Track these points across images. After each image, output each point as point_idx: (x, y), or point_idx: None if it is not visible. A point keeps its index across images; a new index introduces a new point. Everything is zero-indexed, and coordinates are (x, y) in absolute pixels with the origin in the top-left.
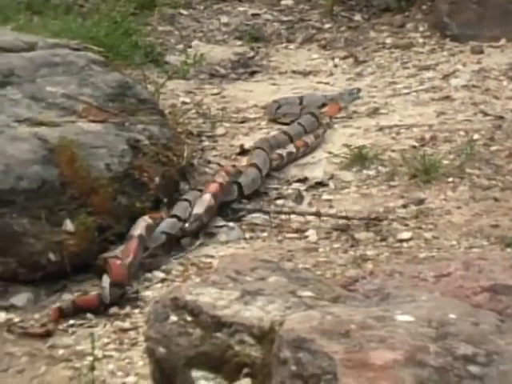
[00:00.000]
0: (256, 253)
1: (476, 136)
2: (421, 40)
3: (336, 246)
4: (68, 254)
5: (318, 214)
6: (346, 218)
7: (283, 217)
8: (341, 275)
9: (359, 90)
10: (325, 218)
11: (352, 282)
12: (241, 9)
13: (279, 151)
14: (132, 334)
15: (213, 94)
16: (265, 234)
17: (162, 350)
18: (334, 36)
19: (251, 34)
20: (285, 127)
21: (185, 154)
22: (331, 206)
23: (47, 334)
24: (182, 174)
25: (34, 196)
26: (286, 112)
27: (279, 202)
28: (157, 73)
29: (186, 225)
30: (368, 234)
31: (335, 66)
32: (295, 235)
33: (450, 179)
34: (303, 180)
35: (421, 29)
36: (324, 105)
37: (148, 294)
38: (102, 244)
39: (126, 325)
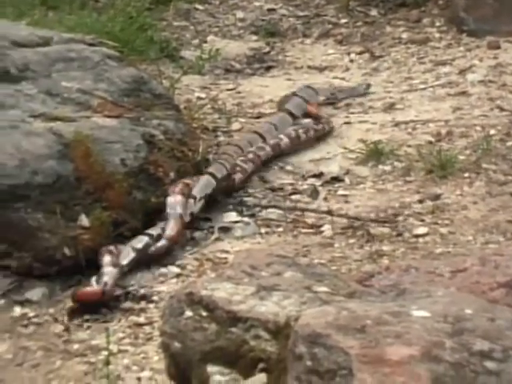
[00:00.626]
0: (271, 248)
1: (492, 131)
2: (437, 35)
3: (351, 241)
4: (83, 248)
5: (330, 213)
6: (357, 218)
7: (298, 212)
8: (356, 270)
9: (369, 85)
10: (340, 213)
11: (368, 278)
12: (256, 4)
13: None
14: (147, 328)
15: (228, 90)
16: (280, 229)
17: (177, 344)
18: (350, 31)
19: (267, 29)
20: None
21: (200, 149)
22: (347, 202)
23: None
24: (197, 169)
25: (49, 191)
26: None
27: (294, 197)
28: (172, 68)
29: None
30: (384, 229)
31: (351, 61)
32: (310, 230)
33: (467, 174)
34: (319, 175)
35: (437, 24)
36: (332, 94)
37: (163, 289)
38: (116, 239)
39: (141, 320)
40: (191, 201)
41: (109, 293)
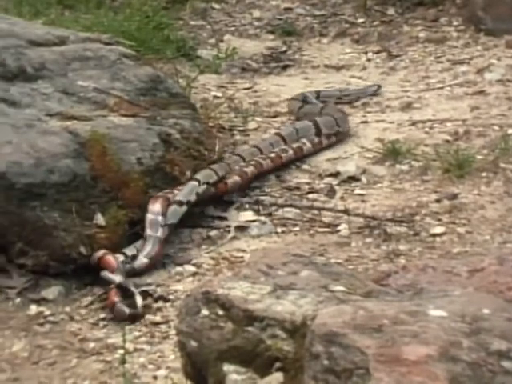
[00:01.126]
0: (288, 247)
1: (510, 130)
2: (455, 34)
3: (368, 240)
4: (99, 247)
5: (346, 213)
6: (373, 218)
7: (315, 211)
8: (373, 270)
9: (379, 86)
10: (357, 213)
11: (384, 277)
12: (273, 3)
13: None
14: (163, 327)
15: (245, 89)
16: (297, 229)
17: (193, 343)
18: (367, 30)
19: (283, 28)
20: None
21: (216, 148)
22: (363, 201)
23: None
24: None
25: (64, 189)
26: (307, 112)
27: (311, 196)
28: (188, 67)
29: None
30: (401, 228)
31: (368, 60)
32: (327, 229)
33: (484, 174)
34: (335, 174)
35: (455, 23)
36: (339, 98)
37: (179, 287)
38: (132, 238)
39: (158, 318)
40: (174, 207)
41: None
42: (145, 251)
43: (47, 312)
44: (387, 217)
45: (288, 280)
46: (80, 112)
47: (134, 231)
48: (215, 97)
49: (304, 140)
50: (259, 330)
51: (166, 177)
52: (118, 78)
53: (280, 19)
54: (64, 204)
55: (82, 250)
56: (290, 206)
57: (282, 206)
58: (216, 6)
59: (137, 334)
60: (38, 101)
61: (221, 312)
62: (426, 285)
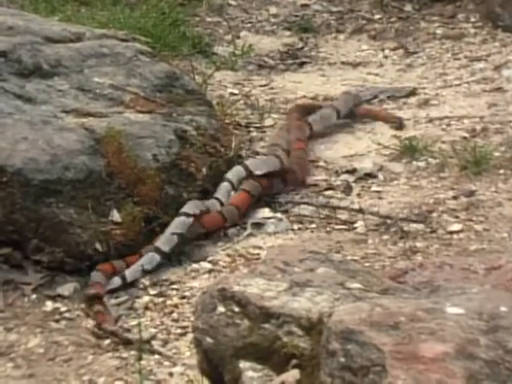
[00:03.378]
0: (304, 244)
1: None
2: (472, 30)
3: (385, 237)
4: (114, 244)
5: (361, 212)
6: (388, 217)
7: (331, 208)
8: (390, 267)
9: (415, 88)
10: (373, 210)
11: (401, 274)
12: None
13: None
14: (179, 324)
15: (261, 85)
16: (313, 226)
17: (209, 340)
18: (384, 27)
19: (300, 25)
20: None
21: (232, 145)
22: (380, 198)
23: None
24: (230, 165)
25: (80, 186)
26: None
27: (328, 193)
28: (205, 64)
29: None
30: (417, 225)
31: (385, 57)
32: (344, 227)
33: (501, 171)
34: (352, 171)
35: (472, 19)
36: (375, 97)
37: (195, 284)
38: (148, 234)
39: (174, 315)
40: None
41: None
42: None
43: (63, 308)
44: (404, 214)
45: (304, 277)
46: (96, 108)
47: (150, 228)
48: (231, 94)
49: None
50: (275, 327)
51: (182, 173)
52: (134, 74)
53: (297, 16)
54: (80, 200)
55: (98, 246)
56: (306, 203)
57: (299, 203)
58: (232, 2)
59: (153, 330)
60: (54, 97)
61: (237, 309)
62: (442, 282)
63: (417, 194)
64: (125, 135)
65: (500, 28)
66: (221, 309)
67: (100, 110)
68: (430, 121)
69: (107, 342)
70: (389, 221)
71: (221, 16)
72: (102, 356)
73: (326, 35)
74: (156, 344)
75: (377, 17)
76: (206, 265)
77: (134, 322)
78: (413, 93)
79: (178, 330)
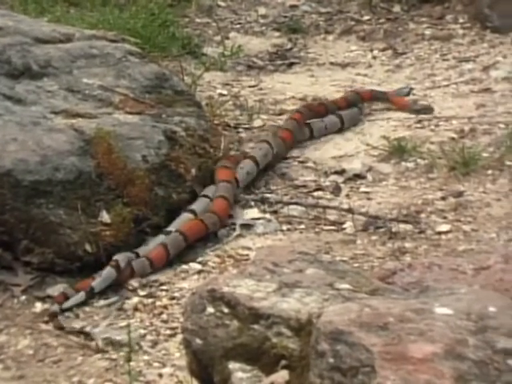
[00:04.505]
0: (293, 245)
1: None
2: (460, 31)
3: (374, 238)
4: (104, 245)
5: (350, 212)
6: (377, 217)
7: (320, 209)
8: (379, 268)
9: (411, 89)
10: (362, 211)
11: (390, 275)
12: (279, 0)
13: None
14: (169, 325)
15: (250, 86)
16: (302, 226)
17: (198, 341)
18: (372, 28)
19: (289, 26)
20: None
21: (222, 146)
22: (369, 199)
23: None
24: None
25: (70, 187)
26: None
27: (316, 194)
28: (194, 64)
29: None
30: (406, 226)
31: (374, 57)
32: (332, 227)
33: (490, 172)
34: (341, 172)
35: (461, 20)
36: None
37: (184, 285)
38: (138, 235)
39: (163, 316)
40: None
41: None
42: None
43: (53, 309)
44: (393, 215)
45: (293, 278)
46: (85, 109)
47: (140, 229)
48: (221, 94)
49: None
50: (265, 328)
51: (172, 174)
52: (123, 75)
53: (285, 17)
54: (70, 201)
55: (88, 247)
56: (295, 203)
57: (287, 204)
58: (221, 3)
59: (142, 331)
60: (44, 98)
61: (226, 310)
62: (431, 283)
63: (405, 194)
64: (114, 136)
65: (488, 29)
66: (210, 310)
67: (89, 110)
68: (419, 121)
69: (97, 343)
70: (378, 221)
71: (210, 17)
72: (91, 357)
73: (314, 36)
74: (145, 345)
75: (365, 18)
76: (195, 266)
77: (124, 323)
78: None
79: (168, 331)
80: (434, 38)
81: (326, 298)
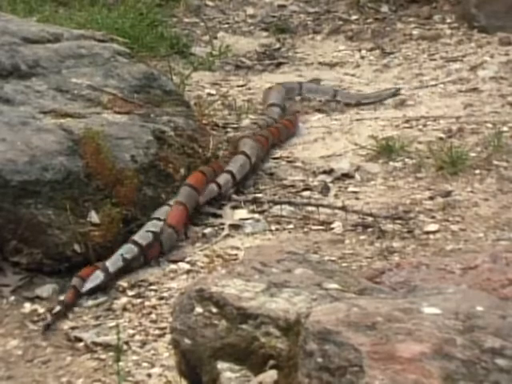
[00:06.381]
0: (282, 244)
1: (503, 128)
2: (448, 31)
3: (362, 238)
4: (93, 245)
5: (344, 209)
6: (370, 215)
7: (309, 208)
8: (367, 267)
9: (398, 89)
10: (353, 209)
11: (378, 275)
12: (267, 0)
13: None
14: (157, 325)
15: (238, 86)
16: (290, 226)
17: (187, 341)
18: (360, 27)
19: (277, 26)
20: None
21: (210, 146)
22: (357, 198)
23: None
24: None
25: (59, 187)
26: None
27: (305, 193)
28: (182, 64)
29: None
30: (394, 226)
31: (362, 57)
32: (321, 227)
33: (477, 171)
34: (329, 172)
35: (448, 20)
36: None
37: (173, 285)
38: (127, 235)
39: (152, 316)
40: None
41: None
42: None
43: (41, 310)
44: (381, 214)
45: (282, 277)
46: (74, 109)
47: (129, 229)
48: (209, 94)
49: None
50: (253, 328)
51: (160, 174)
52: (111, 75)
53: (274, 16)
54: (58, 202)
55: (76, 247)
56: (284, 203)
57: (276, 204)
58: (210, 3)
59: (131, 331)
60: (32, 98)
61: (215, 310)
62: (419, 282)
63: (393, 194)
64: (103, 136)
65: (476, 29)
66: (199, 309)
67: (78, 110)
68: (407, 121)
69: (86, 343)
70: (368, 219)
71: (198, 17)
72: (80, 357)
73: (302, 36)
74: (134, 345)
75: (353, 18)
76: (184, 265)
77: (113, 324)
78: (396, 94)
79: (157, 331)
80: (421, 37)
81: (314, 297)
